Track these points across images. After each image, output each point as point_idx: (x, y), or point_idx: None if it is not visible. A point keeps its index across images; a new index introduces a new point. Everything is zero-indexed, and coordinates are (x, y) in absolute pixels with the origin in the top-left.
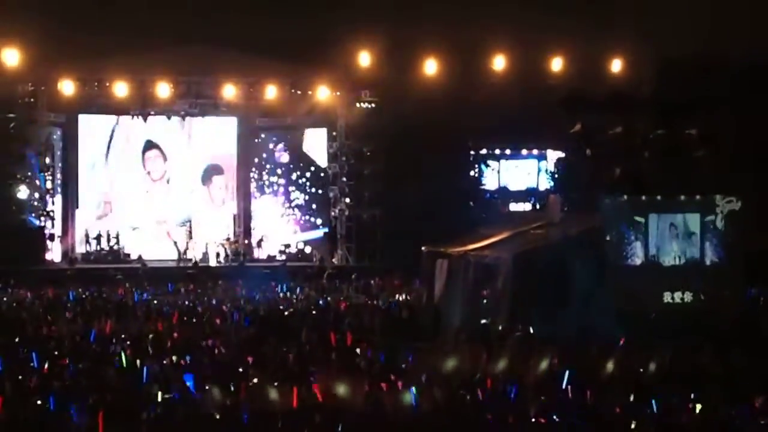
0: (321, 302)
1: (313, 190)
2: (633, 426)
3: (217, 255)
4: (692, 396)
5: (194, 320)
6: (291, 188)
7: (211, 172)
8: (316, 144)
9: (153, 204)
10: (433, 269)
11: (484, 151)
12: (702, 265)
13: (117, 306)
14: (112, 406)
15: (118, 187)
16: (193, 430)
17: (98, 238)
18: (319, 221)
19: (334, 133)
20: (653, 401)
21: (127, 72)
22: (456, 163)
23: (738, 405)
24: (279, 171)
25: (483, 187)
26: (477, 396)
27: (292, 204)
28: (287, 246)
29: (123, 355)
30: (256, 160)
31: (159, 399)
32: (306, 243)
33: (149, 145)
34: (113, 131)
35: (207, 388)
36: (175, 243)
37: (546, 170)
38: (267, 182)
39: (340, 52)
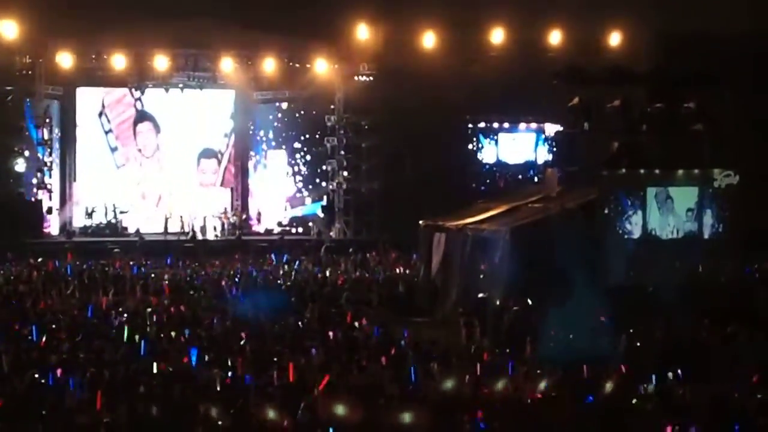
0: (319, 275)
1: (311, 163)
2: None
3: (215, 228)
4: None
5: (192, 294)
6: (289, 161)
7: (200, 156)
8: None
9: (144, 180)
10: (431, 243)
11: (482, 125)
12: (700, 238)
13: (114, 279)
14: (109, 379)
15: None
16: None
17: (94, 211)
18: (317, 194)
19: (333, 107)
20: (652, 377)
21: (124, 45)
22: (454, 136)
23: (736, 380)
24: (276, 144)
25: (481, 160)
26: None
27: (290, 177)
28: (287, 223)
29: (125, 329)
30: (254, 133)
31: (155, 371)
32: (303, 216)
33: (141, 117)
34: (103, 103)
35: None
36: (166, 219)
37: (544, 142)
38: (264, 155)
39: (339, 25)
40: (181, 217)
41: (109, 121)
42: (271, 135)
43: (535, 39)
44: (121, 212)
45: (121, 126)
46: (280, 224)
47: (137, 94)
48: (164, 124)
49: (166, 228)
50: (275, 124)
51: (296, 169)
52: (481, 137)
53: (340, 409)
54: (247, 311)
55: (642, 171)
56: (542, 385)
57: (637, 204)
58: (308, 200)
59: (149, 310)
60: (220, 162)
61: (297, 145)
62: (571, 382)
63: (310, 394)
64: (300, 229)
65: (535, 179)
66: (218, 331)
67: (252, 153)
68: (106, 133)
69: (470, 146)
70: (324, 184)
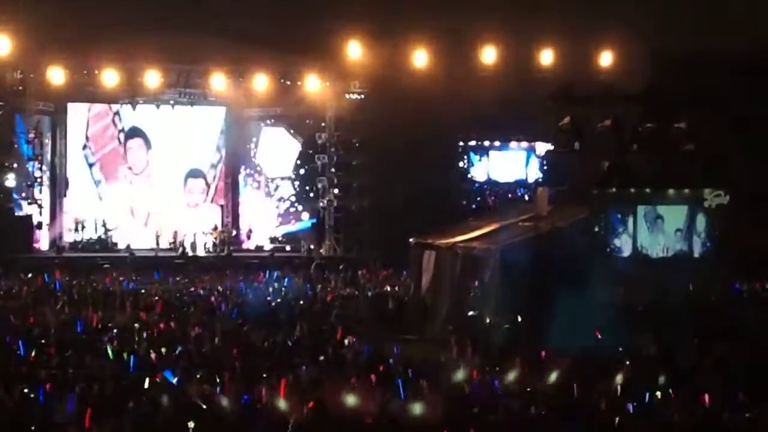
0: (309, 293)
1: (302, 181)
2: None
3: (205, 245)
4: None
5: (182, 310)
6: (279, 178)
7: (187, 175)
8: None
9: (134, 196)
10: (421, 261)
11: (473, 143)
12: (690, 258)
13: (104, 295)
14: (98, 395)
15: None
16: (179, 418)
17: (84, 227)
18: (307, 212)
19: (323, 124)
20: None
21: (116, 60)
22: (445, 154)
23: (725, 398)
24: (266, 162)
25: (471, 178)
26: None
27: (280, 195)
28: (276, 239)
29: (110, 348)
30: (245, 150)
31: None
32: (294, 233)
33: (132, 134)
34: (88, 121)
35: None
36: (158, 236)
37: (535, 161)
38: (255, 172)
39: (330, 43)
40: (174, 233)
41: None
42: (261, 152)
43: (526, 58)
44: (108, 230)
45: (107, 145)
46: (273, 240)
47: (127, 110)
48: (155, 141)
49: (157, 244)
50: (266, 141)
51: (287, 186)
52: (472, 155)
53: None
54: (237, 327)
55: (632, 190)
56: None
57: (627, 223)
58: (299, 217)
59: (138, 326)
60: (207, 182)
61: (288, 162)
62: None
63: (300, 412)
64: (290, 247)
65: (526, 197)
66: (207, 347)
67: (242, 169)
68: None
69: (461, 164)
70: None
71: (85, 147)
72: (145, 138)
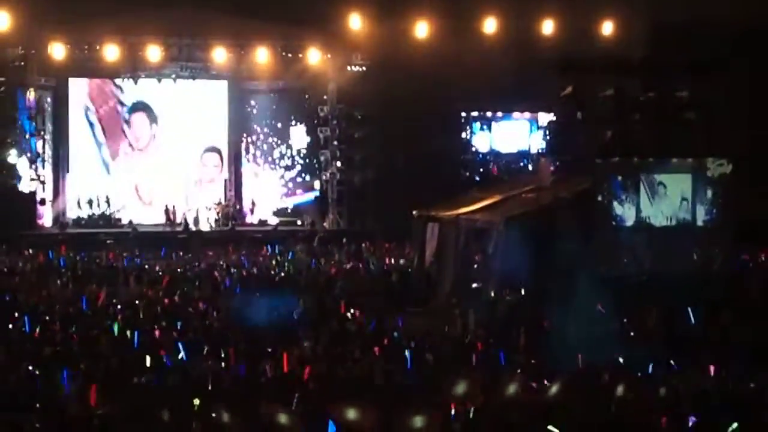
0: (312, 266)
1: (305, 153)
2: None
3: (208, 219)
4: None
5: (186, 285)
6: (281, 153)
7: (205, 150)
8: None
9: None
10: (425, 233)
11: (475, 114)
12: (693, 227)
13: (108, 271)
14: (103, 372)
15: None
16: (183, 395)
17: (90, 202)
18: (310, 185)
19: (325, 97)
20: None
21: (117, 35)
22: (447, 126)
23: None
24: (269, 136)
25: (474, 149)
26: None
27: (283, 167)
28: (280, 211)
29: (115, 324)
30: (247, 124)
31: (149, 365)
32: (297, 207)
33: (135, 108)
34: (90, 96)
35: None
36: (167, 211)
37: (537, 131)
38: (257, 147)
39: (331, 15)
40: (174, 207)
41: (94, 123)
42: (264, 125)
43: (528, 28)
44: (111, 206)
45: (110, 119)
46: (277, 213)
47: (129, 84)
48: (159, 115)
49: (169, 219)
50: (268, 114)
51: (289, 159)
52: (475, 126)
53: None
54: (240, 303)
55: (635, 159)
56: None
57: (630, 192)
58: (301, 190)
59: (142, 302)
60: (221, 156)
61: (290, 135)
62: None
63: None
64: (294, 220)
65: (529, 168)
66: (211, 322)
67: (245, 143)
68: (92, 126)
69: (463, 135)
70: (317, 174)
71: (88, 123)
72: (149, 112)
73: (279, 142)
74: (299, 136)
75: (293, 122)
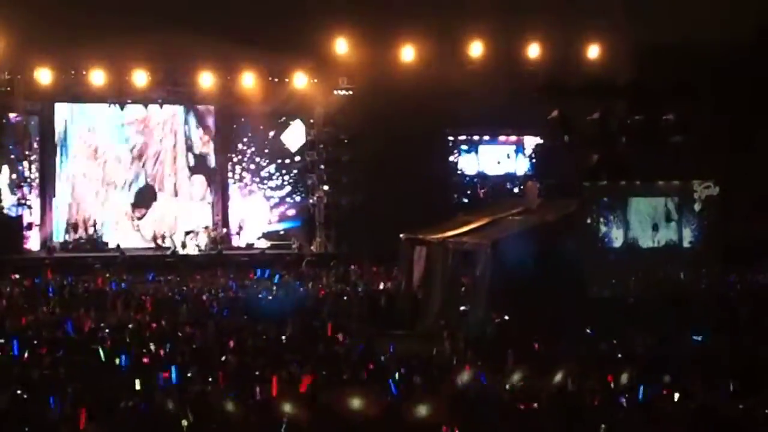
0: (300, 289)
1: (291, 177)
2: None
3: (197, 244)
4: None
5: (173, 309)
6: (268, 176)
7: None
8: (293, 133)
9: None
10: (412, 256)
11: (462, 138)
12: (680, 249)
13: (95, 295)
14: (91, 396)
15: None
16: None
17: (76, 226)
18: (297, 208)
19: (312, 121)
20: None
21: (103, 60)
22: (434, 149)
23: (717, 389)
24: (256, 159)
25: (461, 171)
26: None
27: (270, 192)
28: (266, 234)
29: (101, 350)
30: (233, 148)
31: (138, 388)
32: (284, 230)
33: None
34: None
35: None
36: (155, 239)
37: (524, 155)
38: (244, 170)
39: (317, 40)
40: (163, 233)
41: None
42: (251, 149)
43: (514, 52)
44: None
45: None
46: (265, 236)
47: (115, 110)
48: (145, 139)
49: (156, 244)
50: (255, 138)
51: (277, 183)
52: (461, 149)
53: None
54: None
55: (623, 182)
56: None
57: (618, 215)
58: (289, 214)
59: (130, 326)
60: (208, 178)
61: (277, 159)
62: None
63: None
64: (280, 244)
65: (515, 190)
66: (199, 345)
67: (232, 167)
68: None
69: (450, 158)
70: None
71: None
72: (136, 139)
73: (266, 165)
74: (286, 160)
75: (280, 146)
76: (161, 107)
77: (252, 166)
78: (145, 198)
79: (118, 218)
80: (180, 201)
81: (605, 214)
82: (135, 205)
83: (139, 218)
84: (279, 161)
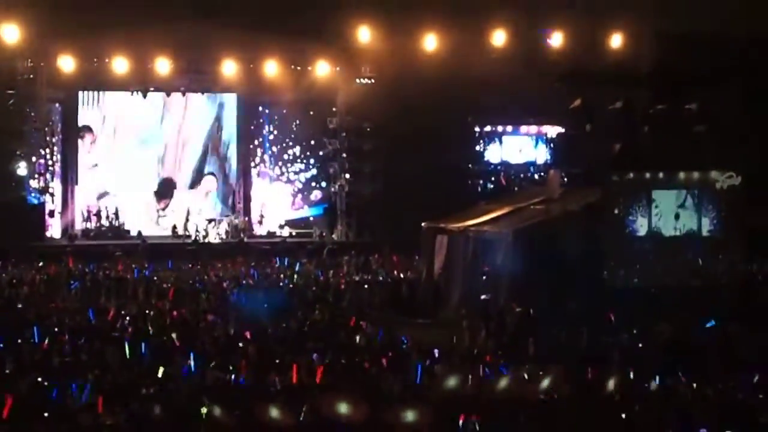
0: (321, 278)
1: (313, 166)
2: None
3: (218, 232)
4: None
5: (194, 297)
6: (290, 164)
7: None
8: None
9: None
10: (433, 245)
11: (486, 128)
12: (702, 239)
13: (117, 283)
14: (111, 382)
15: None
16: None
17: (98, 214)
18: (319, 197)
19: (334, 109)
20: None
21: (126, 48)
22: (455, 138)
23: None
24: (278, 147)
25: (484, 159)
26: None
27: (292, 180)
28: (288, 222)
29: (123, 335)
30: (256, 136)
31: (159, 376)
32: (308, 218)
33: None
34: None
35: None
36: (174, 227)
37: (545, 144)
38: (267, 158)
39: (340, 29)
40: (186, 222)
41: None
42: (273, 137)
43: (537, 41)
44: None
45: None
46: (286, 224)
47: (139, 98)
48: (166, 128)
49: (175, 233)
50: (277, 126)
51: (299, 171)
52: (484, 138)
53: (343, 409)
54: (250, 314)
55: (648, 175)
56: (545, 383)
57: (642, 205)
58: (311, 202)
59: (151, 313)
60: (217, 178)
61: (299, 147)
62: (574, 382)
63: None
64: (301, 232)
65: (536, 177)
66: (220, 334)
67: (254, 155)
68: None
69: (473, 147)
70: (327, 186)
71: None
72: (156, 125)
73: (288, 154)
74: (308, 149)
75: (303, 134)
76: (183, 95)
77: (274, 154)
78: (167, 189)
79: (139, 207)
80: (194, 194)
81: (630, 204)
82: (158, 195)
83: (163, 209)
84: (301, 149)
